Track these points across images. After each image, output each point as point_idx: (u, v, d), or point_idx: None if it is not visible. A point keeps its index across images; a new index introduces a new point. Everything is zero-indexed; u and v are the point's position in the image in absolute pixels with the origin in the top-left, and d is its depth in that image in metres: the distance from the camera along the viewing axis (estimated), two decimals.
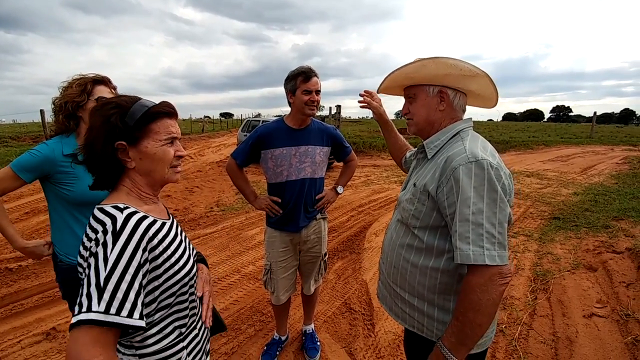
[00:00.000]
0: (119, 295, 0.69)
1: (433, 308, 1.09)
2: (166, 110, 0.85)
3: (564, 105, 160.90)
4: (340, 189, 2.15)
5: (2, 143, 12.66)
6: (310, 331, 2.37)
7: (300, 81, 1.79)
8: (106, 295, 0.68)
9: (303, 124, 1.91)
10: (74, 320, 0.67)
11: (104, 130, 0.79)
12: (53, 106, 1.44)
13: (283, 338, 2.33)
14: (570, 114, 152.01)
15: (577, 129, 33.18)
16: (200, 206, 5.70)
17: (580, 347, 2.30)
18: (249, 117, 14.09)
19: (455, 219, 0.94)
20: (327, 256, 2.24)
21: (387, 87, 1.24)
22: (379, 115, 1.58)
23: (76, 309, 0.68)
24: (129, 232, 0.74)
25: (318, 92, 1.83)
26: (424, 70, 1.07)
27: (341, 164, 2.27)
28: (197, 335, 0.95)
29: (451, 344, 0.95)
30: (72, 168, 1.38)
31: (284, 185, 1.91)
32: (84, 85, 1.41)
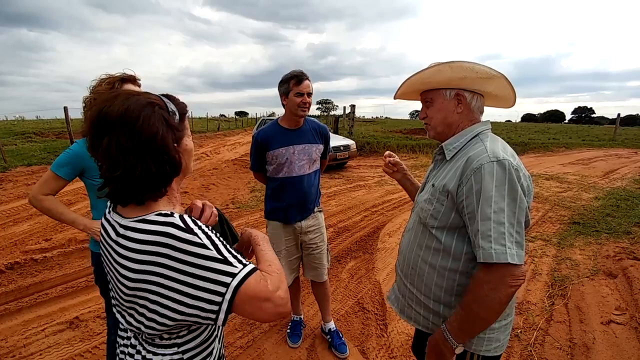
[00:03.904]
0: None
1: (449, 310, 1.10)
2: (185, 104, 0.87)
3: (586, 107, 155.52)
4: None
5: (26, 138, 13.13)
6: (334, 328, 2.40)
7: (292, 84, 1.92)
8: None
9: (297, 125, 2.05)
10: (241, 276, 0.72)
11: (171, 135, 0.75)
12: (84, 105, 1.51)
13: (302, 317, 2.50)
14: (593, 115, 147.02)
15: (600, 131, 32.11)
16: (216, 203, 5.80)
17: (597, 354, 2.26)
18: (263, 116, 14.21)
19: (476, 217, 0.95)
20: (329, 245, 2.37)
21: (404, 93, 1.24)
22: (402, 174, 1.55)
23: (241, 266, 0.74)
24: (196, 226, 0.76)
25: (310, 94, 1.95)
26: (440, 75, 1.08)
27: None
28: (219, 326, 0.98)
29: (453, 328, 1.01)
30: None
31: (284, 180, 2.04)
32: (112, 84, 1.48)
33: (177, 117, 0.80)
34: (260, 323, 2.57)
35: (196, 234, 0.73)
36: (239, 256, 0.77)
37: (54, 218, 1.55)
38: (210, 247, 0.73)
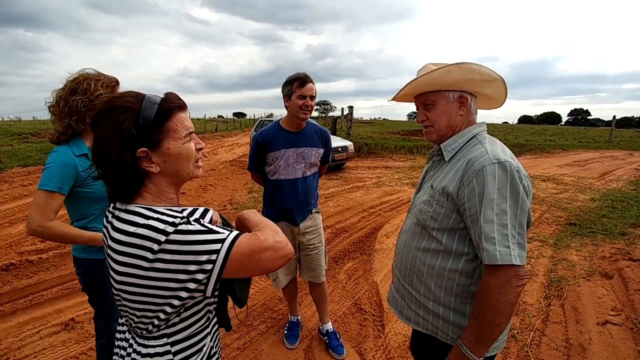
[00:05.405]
0: None
1: (449, 311, 1.10)
2: (178, 104, 0.80)
3: (582, 109, 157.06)
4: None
5: (23, 139, 13.03)
6: (332, 330, 2.39)
7: (296, 86, 1.91)
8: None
9: (299, 127, 2.05)
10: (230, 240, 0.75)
11: (119, 140, 0.73)
12: (67, 103, 1.37)
13: (299, 319, 2.50)
14: (589, 117, 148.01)
15: (596, 133, 32.29)
16: (214, 204, 5.79)
17: (593, 354, 2.27)
18: (261, 117, 14.20)
19: (479, 220, 0.95)
20: (326, 247, 2.39)
21: (406, 94, 1.20)
22: None
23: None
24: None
25: (312, 97, 1.95)
26: (449, 76, 1.06)
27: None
28: (214, 324, 0.97)
29: (471, 342, 0.99)
30: (91, 168, 1.41)
31: (281, 182, 2.05)
32: (112, 87, 1.43)
33: (148, 121, 0.75)
34: (258, 324, 2.57)
35: (178, 218, 0.75)
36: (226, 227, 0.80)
37: (68, 242, 1.40)
38: (193, 222, 0.75)
